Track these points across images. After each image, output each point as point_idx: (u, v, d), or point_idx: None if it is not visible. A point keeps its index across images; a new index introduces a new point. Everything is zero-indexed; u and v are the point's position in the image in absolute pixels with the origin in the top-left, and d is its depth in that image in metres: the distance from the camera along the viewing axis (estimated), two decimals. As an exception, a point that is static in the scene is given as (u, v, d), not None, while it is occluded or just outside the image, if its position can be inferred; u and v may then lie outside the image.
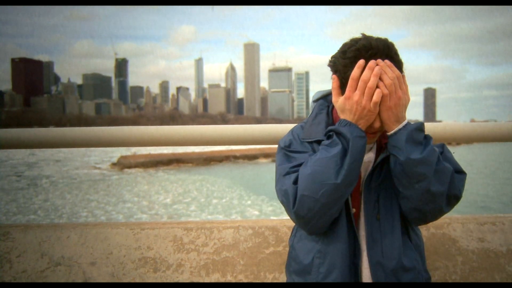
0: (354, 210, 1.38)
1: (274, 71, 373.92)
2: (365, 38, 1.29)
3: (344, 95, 1.30)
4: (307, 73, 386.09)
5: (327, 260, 1.37)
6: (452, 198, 1.31)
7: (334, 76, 1.33)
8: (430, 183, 1.25)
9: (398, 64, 1.29)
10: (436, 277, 1.97)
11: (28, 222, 21.13)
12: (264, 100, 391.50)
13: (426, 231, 2.00)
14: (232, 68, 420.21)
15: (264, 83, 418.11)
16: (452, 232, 2.01)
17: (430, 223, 1.99)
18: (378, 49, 1.26)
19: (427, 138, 1.29)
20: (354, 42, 1.30)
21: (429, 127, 2.08)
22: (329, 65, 1.36)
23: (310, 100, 1.60)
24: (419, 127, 1.28)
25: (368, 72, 1.25)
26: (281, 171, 1.37)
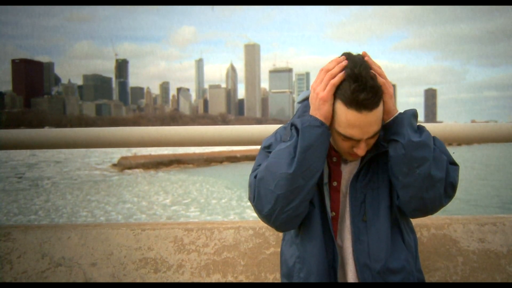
0: (333, 213, 1.36)
1: (274, 72, 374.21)
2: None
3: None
4: (307, 74, 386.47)
5: (305, 265, 1.36)
6: (449, 186, 1.31)
7: None
8: (430, 167, 1.25)
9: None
10: (436, 278, 1.97)
11: (28, 222, 21.13)
12: (264, 101, 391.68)
13: (426, 231, 2.00)
14: (232, 69, 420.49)
15: (264, 84, 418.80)
16: (452, 233, 2.01)
17: (431, 224, 2.00)
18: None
19: (420, 127, 1.32)
20: None
21: (429, 128, 2.08)
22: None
23: None
24: (415, 113, 1.32)
25: (333, 63, 1.27)
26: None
